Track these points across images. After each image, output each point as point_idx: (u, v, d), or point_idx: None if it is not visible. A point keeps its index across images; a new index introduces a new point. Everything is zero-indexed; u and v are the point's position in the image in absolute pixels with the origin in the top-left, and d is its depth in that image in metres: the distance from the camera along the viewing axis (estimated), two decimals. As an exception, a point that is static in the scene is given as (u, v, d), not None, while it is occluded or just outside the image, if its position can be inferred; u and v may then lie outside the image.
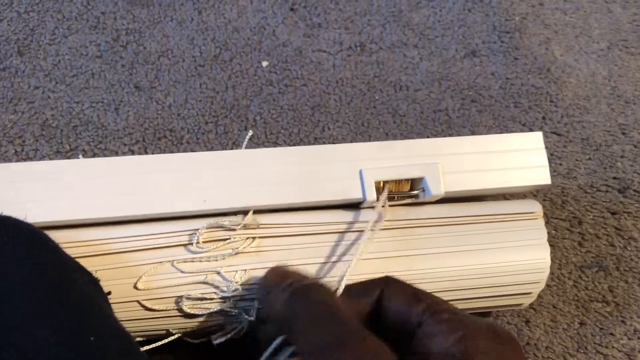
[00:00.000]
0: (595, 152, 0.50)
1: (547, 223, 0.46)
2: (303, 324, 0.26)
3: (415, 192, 0.34)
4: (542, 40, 0.56)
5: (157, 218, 0.32)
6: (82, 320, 0.25)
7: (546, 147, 0.49)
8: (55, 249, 0.27)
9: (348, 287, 0.31)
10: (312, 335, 0.26)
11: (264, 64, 0.52)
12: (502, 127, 0.50)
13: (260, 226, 0.32)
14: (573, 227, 0.46)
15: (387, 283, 0.30)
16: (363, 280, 0.32)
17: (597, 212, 0.47)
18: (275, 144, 0.47)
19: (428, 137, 0.49)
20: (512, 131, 0.50)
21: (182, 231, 0.32)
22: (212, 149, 0.47)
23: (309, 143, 0.48)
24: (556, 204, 0.47)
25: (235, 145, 0.47)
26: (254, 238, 0.32)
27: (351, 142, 0.48)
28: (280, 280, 0.29)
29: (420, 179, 0.34)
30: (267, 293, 0.29)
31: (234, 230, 0.32)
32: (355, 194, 0.33)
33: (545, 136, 0.50)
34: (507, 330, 0.27)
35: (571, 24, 0.57)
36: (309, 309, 0.27)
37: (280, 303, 0.27)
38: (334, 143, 0.48)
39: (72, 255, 0.29)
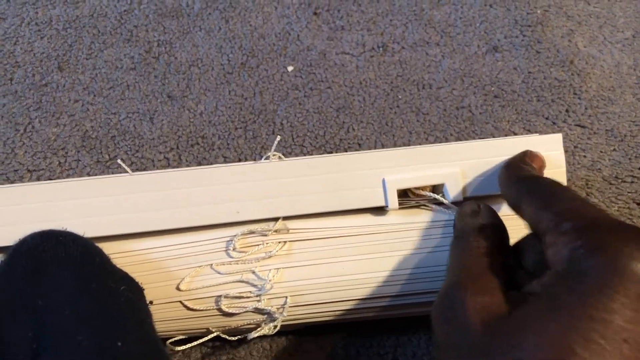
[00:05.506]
0: (620, 143, 0.50)
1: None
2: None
3: (437, 196, 0.35)
4: (565, 32, 0.56)
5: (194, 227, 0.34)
6: (112, 327, 0.28)
7: (570, 140, 0.50)
8: (102, 262, 0.30)
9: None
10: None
11: (290, 68, 0.53)
12: (525, 122, 0.51)
13: (290, 231, 0.34)
14: (598, 218, 0.46)
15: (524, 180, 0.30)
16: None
17: (622, 204, 0.47)
18: (302, 147, 0.49)
19: (451, 134, 0.50)
20: (535, 125, 0.51)
21: (218, 238, 0.34)
22: (242, 154, 0.48)
23: (335, 145, 0.49)
24: (581, 196, 0.47)
25: (264, 149, 0.49)
26: (285, 242, 0.34)
27: (375, 141, 0.49)
28: None
29: (441, 185, 0.35)
30: None
31: (266, 235, 0.34)
32: (378, 202, 0.34)
33: (569, 129, 0.50)
34: None
35: (595, 14, 0.57)
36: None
37: None
38: (358, 143, 0.49)
39: (121, 264, 0.32)
